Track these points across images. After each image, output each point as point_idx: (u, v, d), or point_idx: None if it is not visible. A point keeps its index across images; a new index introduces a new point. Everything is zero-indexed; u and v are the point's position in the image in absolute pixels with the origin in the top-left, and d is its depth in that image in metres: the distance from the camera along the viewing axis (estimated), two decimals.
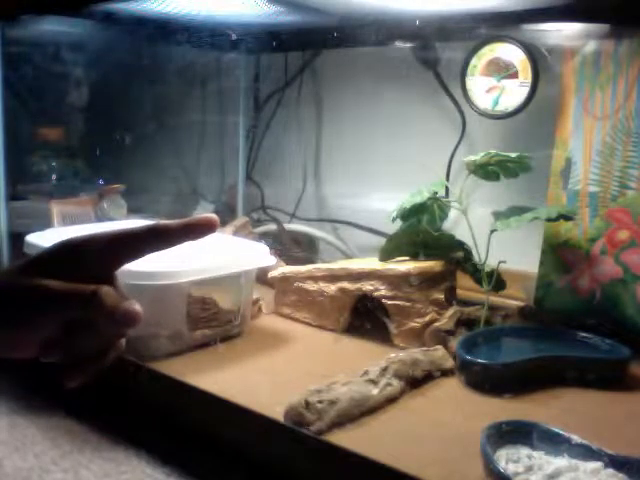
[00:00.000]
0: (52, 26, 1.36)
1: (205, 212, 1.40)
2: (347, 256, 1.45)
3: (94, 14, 1.26)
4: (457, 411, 0.82)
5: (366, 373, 0.84)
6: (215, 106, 1.71)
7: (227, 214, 1.69)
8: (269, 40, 1.48)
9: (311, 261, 1.47)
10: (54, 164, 1.52)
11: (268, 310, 1.19)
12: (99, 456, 0.83)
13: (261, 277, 1.18)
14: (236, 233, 1.35)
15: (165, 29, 1.41)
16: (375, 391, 0.81)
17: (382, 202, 1.44)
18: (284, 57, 1.55)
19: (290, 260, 1.33)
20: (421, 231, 1.08)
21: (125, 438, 0.88)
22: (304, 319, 1.14)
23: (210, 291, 1.02)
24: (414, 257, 1.09)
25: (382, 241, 1.37)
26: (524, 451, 0.65)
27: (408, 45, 1.38)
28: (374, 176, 1.49)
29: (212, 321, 1.02)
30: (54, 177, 1.52)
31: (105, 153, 1.68)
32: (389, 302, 1.03)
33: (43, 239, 1.08)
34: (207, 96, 1.70)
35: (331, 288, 1.10)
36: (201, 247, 1.14)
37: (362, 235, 1.49)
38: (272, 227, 1.51)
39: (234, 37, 1.48)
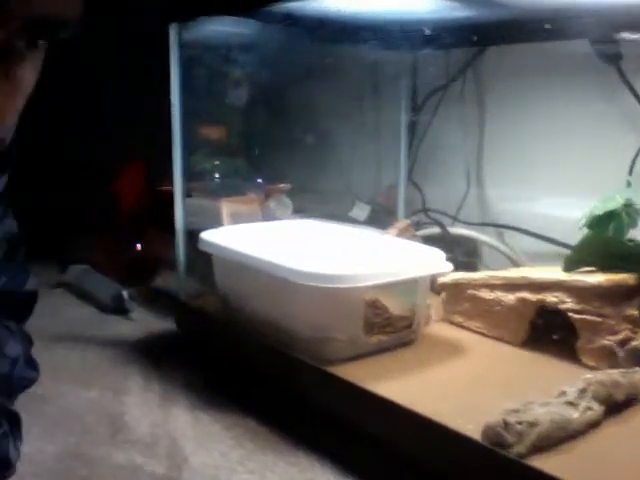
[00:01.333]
0: (220, 27, 1.38)
1: (361, 213, 1.39)
2: (515, 264, 1.38)
3: (264, 14, 1.27)
4: None
5: (563, 394, 0.78)
6: (374, 105, 1.69)
7: (384, 216, 1.66)
8: (431, 37, 1.43)
9: (474, 267, 1.42)
10: (217, 162, 1.56)
11: (437, 317, 1.15)
12: (282, 459, 0.83)
13: None
14: (399, 236, 1.32)
15: (327, 28, 1.40)
16: (575, 414, 0.75)
17: (551, 207, 1.37)
18: (446, 54, 1.50)
19: (454, 265, 1.28)
20: (611, 240, 1.01)
21: (304, 442, 0.87)
22: (477, 329, 1.09)
23: (383, 295, 0.99)
24: (602, 268, 1.01)
25: (553, 248, 1.29)
26: None
27: (586, 39, 1.29)
28: (542, 179, 1.41)
29: (387, 326, 0.99)
30: (216, 175, 1.55)
31: (264, 152, 1.70)
32: (576, 316, 0.96)
33: (217, 237, 1.11)
34: (367, 95, 1.68)
35: (509, 298, 1.04)
36: (377, 250, 1.12)
37: (528, 241, 1.42)
38: (435, 230, 1.47)
39: (396, 35, 1.45)
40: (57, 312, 1.38)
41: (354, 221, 1.69)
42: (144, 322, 1.32)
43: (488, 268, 1.39)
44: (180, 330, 1.18)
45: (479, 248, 1.52)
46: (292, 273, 0.91)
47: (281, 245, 1.10)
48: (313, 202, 1.68)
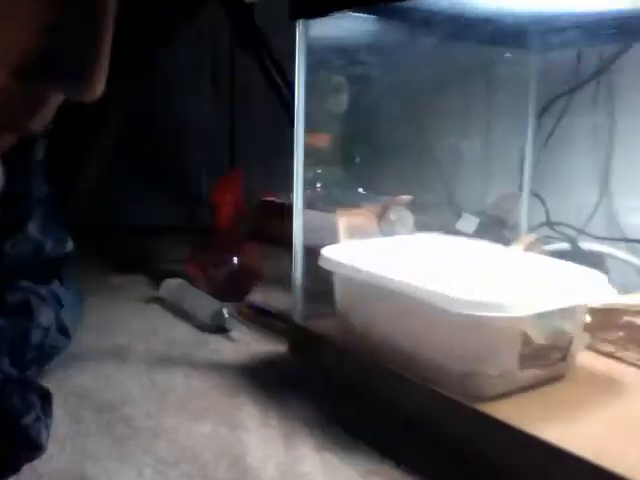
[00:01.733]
0: (336, 26, 1.28)
1: (469, 225, 1.25)
2: None
3: (387, 11, 1.17)
4: None
5: None
6: (485, 110, 1.56)
7: (494, 228, 1.53)
8: (561, 35, 1.30)
9: None
10: (319, 171, 1.45)
11: (582, 345, 1.01)
12: None
13: None
14: (526, 252, 1.19)
15: (448, 26, 1.29)
16: None
17: None
18: (576, 54, 1.37)
19: None
20: None
21: None
22: (635, 361, 0.95)
23: (537, 324, 0.86)
24: None
25: None
26: None
27: None
28: None
29: (539, 359, 0.87)
30: (318, 185, 1.45)
31: (366, 160, 1.59)
32: None
33: (341, 253, 1.00)
34: (479, 99, 1.55)
35: None
36: (524, 270, 1.00)
37: None
38: (564, 246, 1.33)
39: (521, 33, 1.32)
40: (154, 331, 1.29)
41: (460, 234, 1.56)
42: (246, 342, 1.23)
43: (623, 288, 1.25)
44: (294, 355, 1.08)
45: (606, 265, 1.38)
46: (442, 299, 0.79)
47: (415, 264, 0.99)
48: (415, 213, 1.56)
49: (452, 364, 0.83)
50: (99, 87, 0.36)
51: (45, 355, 0.70)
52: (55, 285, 0.75)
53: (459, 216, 1.60)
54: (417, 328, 0.86)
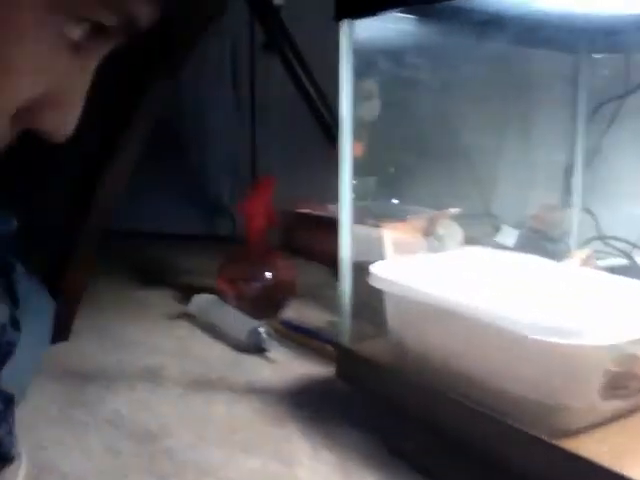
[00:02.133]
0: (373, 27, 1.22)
1: (508, 238, 1.18)
2: None
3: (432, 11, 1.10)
4: None
5: None
6: (525, 116, 1.50)
7: (535, 242, 1.46)
8: (611, 38, 1.24)
9: None
10: (353, 182, 1.38)
11: None
12: None
13: None
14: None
15: (493, 28, 1.22)
16: None
17: None
18: (625, 58, 1.30)
19: None
20: None
21: None
22: None
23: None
24: None
25: None
26: None
27: None
28: None
29: (620, 389, 0.80)
30: (353, 197, 1.37)
31: (399, 169, 1.53)
32: None
33: (394, 271, 0.93)
34: (521, 103, 1.49)
35: None
36: (602, 291, 0.93)
37: None
38: (620, 261, 1.26)
39: (568, 34, 1.26)
40: (187, 351, 1.22)
41: (500, 247, 1.50)
42: (286, 364, 1.16)
43: None
44: (342, 379, 1.01)
45: None
46: (524, 325, 0.72)
47: (475, 282, 0.92)
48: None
49: (530, 395, 0.76)
50: (69, 128, 0.42)
51: (3, 355, 0.66)
52: (4, 273, 0.71)
53: (497, 229, 1.53)
54: (490, 355, 0.79)
